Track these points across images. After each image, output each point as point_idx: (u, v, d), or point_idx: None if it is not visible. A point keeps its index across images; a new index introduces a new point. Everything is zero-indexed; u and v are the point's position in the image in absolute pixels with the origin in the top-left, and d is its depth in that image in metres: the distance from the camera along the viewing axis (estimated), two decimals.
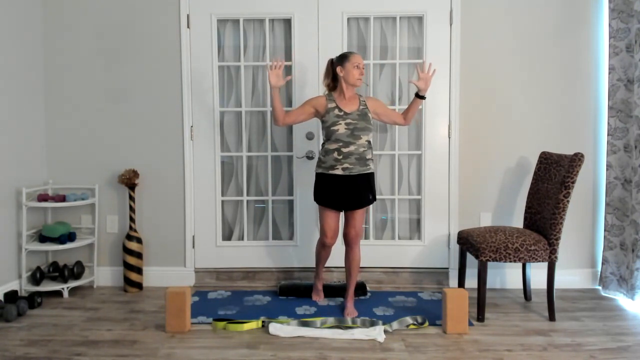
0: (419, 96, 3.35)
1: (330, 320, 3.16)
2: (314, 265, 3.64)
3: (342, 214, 3.43)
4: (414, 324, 3.12)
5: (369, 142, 3.27)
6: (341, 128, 3.21)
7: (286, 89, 3.96)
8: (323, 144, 3.31)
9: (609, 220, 3.70)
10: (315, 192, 3.35)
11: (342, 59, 3.27)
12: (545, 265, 3.61)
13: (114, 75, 3.91)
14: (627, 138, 3.64)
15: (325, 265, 3.64)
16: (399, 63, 3.90)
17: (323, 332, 3.02)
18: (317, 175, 3.34)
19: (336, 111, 3.25)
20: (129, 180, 3.78)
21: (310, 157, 3.89)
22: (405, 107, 3.87)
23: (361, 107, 3.28)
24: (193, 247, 3.99)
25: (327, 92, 3.38)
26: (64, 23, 3.90)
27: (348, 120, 3.22)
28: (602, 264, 3.74)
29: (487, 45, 3.84)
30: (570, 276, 3.88)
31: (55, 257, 3.96)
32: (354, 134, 3.21)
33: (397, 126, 3.90)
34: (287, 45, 3.95)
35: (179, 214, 3.96)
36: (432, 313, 3.33)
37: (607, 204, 3.72)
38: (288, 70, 3.91)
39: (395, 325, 3.10)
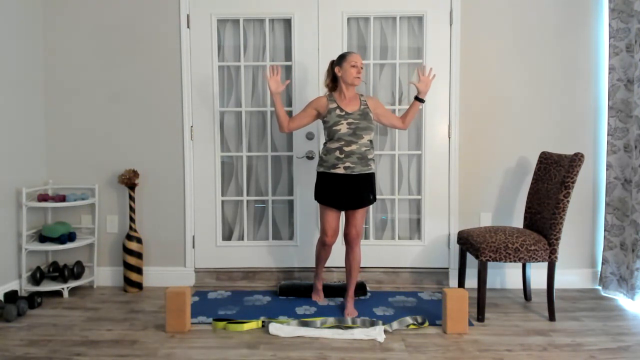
0: (419, 99, 3.38)
1: (330, 320, 3.16)
2: (314, 265, 3.64)
3: (342, 214, 3.43)
4: (414, 324, 3.12)
5: (370, 141, 3.28)
6: (343, 128, 3.21)
7: (286, 89, 3.95)
8: (325, 143, 3.32)
9: (609, 220, 3.70)
10: (316, 190, 3.36)
11: (340, 59, 3.30)
12: (545, 265, 3.62)
13: (114, 75, 3.91)
14: (627, 138, 3.64)
15: (325, 265, 3.64)
16: (399, 63, 3.90)
17: (323, 332, 3.02)
18: (319, 174, 3.34)
19: (338, 111, 3.25)
20: (129, 180, 3.78)
21: (310, 157, 3.89)
22: (406, 107, 3.89)
23: (362, 106, 3.29)
24: (193, 247, 3.99)
25: (328, 93, 3.39)
26: (64, 23, 3.90)
27: (350, 120, 3.22)
28: (602, 264, 3.74)
29: (487, 45, 3.84)
30: (570, 276, 3.88)
31: (55, 257, 3.96)
32: (356, 133, 3.21)
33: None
34: (287, 45, 3.95)
35: (179, 214, 3.96)
36: (432, 313, 3.33)
37: (607, 204, 3.72)
38: (288, 70, 3.92)
39: (395, 325, 3.10)
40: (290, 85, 3.91)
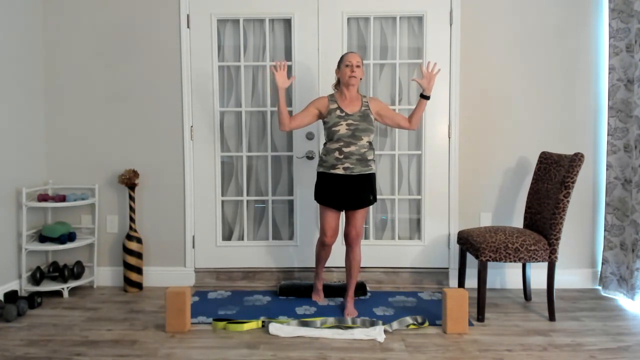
0: (424, 96, 3.32)
1: (330, 320, 3.16)
2: (314, 265, 3.64)
3: (342, 214, 3.43)
4: (414, 324, 3.12)
5: (370, 143, 3.27)
6: (342, 129, 3.21)
7: (286, 89, 3.94)
8: (325, 143, 3.32)
9: (609, 220, 3.70)
10: (316, 191, 3.36)
11: (339, 61, 3.32)
12: (545, 265, 3.62)
13: (114, 75, 3.91)
14: (627, 138, 3.64)
15: (325, 265, 3.63)
16: (399, 63, 3.90)
17: (323, 332, 3.02)
18: (319, 174, 3.34)
19: (338, 112, 3.25)
20: (129, 180, 3.78)
21: (310, 157, 3.89)
22: (406, 107, 3.90)
23: (363, 108, 3.28)
24: (193, 247, 3.99)
25: (330, 94, 3.38)
26: (64, 23, 3.90)
27: (349, 121, 3.22)
28: (602, 264, 3.74)
29: (487, 45, 3.84)
30: (570, 276, 3.88)
31: (55, 257, 3.95)
32: (355, 134, 3.21)
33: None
34: (287, 45, 3.95)
35: (179, 214, 3.96)
36: (432, 313, 3.33)
37: (607, 204, 3.72)
38: (288, 70, 3.91)
39: (395, 325, 3.10)
40: (291, 85, 3.90)
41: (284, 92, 3.27)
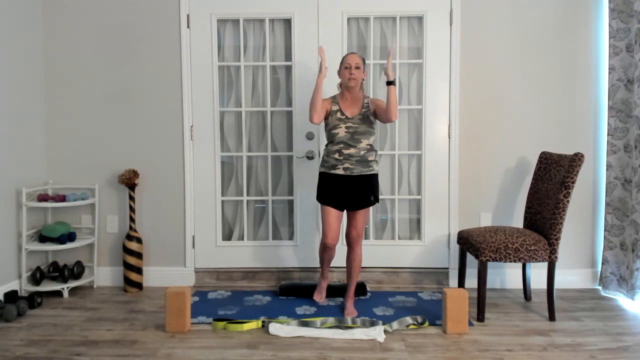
0: (388, 83, 3.16)
1: (330, 320, 3.16)
2: (314, 266, 3.65)
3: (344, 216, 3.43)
4: (414, 324, 3.12)
5: (370, 145, 3.26)
6: (341, 132, 3.21)
7: (286, 89, 3.96)
8: (326, 145, 3.32)
9: (609, 220, 3.70)
10: (317, 191, 3.36)
11: (340, 62, 3.31)
12: (545, 265, 3.62)
13: (114, 75, 3.91)
14: (627, 138, 3.64)
15: None
16: (399, 63, 3.90)
17: (323, 332, 3.02)
18: (320, 174, 3.34)
19: (338, 114, 3.25)
20: (129, 180, 3.78)
21: (310, 157, 3.89)
22: (406, 107, 3.92)
23: (364, 110, 3.27)
24: (193, 247, 3.99)
25: (334, 95, 3.37)
26: (64, 23, 3.90)
27: (349, 124, 3.22)
28: (602, 264, 3.74)
29: (487, 45, 3.84)
30: (570, 276, 3.88)
31: (55, 257, 3.95)
32: (354, 137, 3.21)
33: (397, 126, 3.91)
34: (287, 45, 3.95)
35: (179, 214, 3.96)
36: (432, 313, 3.33)
37: (607, 204, 3.72)
38: (288, 70, 3.93)
39: (395, 325, 3.10)
40: (291, 86, 3.91)
41: (322, 80, 3.20)
